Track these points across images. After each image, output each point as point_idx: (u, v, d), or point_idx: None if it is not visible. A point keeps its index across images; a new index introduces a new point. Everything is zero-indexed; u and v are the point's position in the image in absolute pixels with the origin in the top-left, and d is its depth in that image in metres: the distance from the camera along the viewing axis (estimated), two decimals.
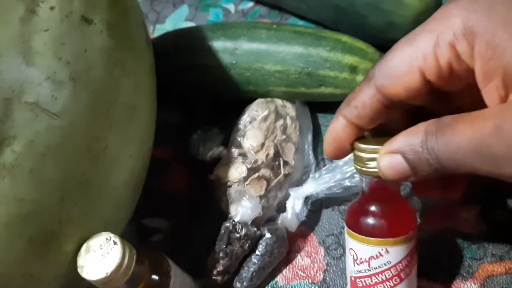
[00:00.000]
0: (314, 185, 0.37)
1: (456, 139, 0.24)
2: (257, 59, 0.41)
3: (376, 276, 0.30)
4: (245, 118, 0.40)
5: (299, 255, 0.38)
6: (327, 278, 0.36)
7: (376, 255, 0.30)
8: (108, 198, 0.30)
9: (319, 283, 0.36)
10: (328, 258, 0.37)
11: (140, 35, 0.34)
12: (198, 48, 0.43)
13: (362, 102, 0.28)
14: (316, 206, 0.39)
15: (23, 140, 0.25)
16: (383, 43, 0.44)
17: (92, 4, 0.29)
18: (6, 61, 0.25)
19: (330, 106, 0.41)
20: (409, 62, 0.26)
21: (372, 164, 0.28)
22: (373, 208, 0.30)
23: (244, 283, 0.36)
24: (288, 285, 0.37)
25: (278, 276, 0.37)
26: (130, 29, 0.32)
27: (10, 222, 0.25)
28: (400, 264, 0.30)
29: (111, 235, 0.29)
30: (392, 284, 0.30)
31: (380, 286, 0.30)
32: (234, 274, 0.37)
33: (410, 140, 0.26)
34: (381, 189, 0.30)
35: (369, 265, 0.30)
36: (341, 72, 0.39)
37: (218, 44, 0.42)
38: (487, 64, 0.24)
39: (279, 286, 0.37)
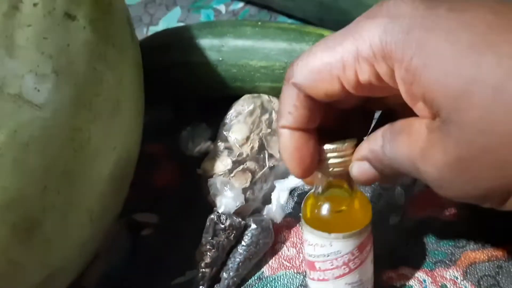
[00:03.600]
0: None
1: (399, 150, 0.25)
2: (243, 56, 0.42)
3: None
4: (231, 113, 0.41)
5: (284, 245, 0.38)
6: None
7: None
8: (92, 188, 0.31)
9: (304, 273, 0.37)
10: None
11: (124, 32, 0.35)
12: (186, 46, 0.44)
13: (293, 106, 0.27)
14: (302, 198, 0.40)
15: (6, 130, 0.26)
16: None
17: (75, 1, 0.30)
18: None
19: None
20: (329, 70, 0.25)
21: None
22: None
23: (231, 273, 0.37)
24: (274, 275, 0.37)
25: (264, 267, 0.38)
26: (114, 25, 0.33)
27: None
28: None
29: None
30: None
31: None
32: (222, 266, 0.38)
33: (371, 147, 0.27)
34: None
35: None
36: None
37: (205, 42, 0.43)
38: (411, 88, 0.24)
39: (265, 276, 0.37)
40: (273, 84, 0.42)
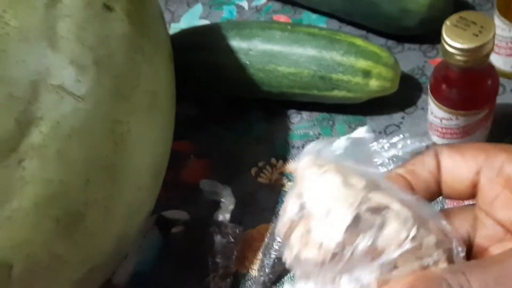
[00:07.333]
0: None
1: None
2: (271, 61, 0.41)
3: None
4: None
5: None
6: None
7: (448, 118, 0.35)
8: (131, 182, 0.31)
9: None
10: None
11: (158, 25, 0.34)
12: (213, 47, 0.43)
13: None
14: None
15: (50, 122, 0.26)
16: (398, 31, 0.44)
17: None
18: (32, 45, 0.26)
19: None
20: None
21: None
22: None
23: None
24: None
25: None
26: (149, 18, 0.33)
27: (38, 202, 0.26)
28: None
29: None
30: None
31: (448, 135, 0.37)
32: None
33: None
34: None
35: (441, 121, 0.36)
36: (354, 77, 0.39)
37: (233, 44, 0.42)
38: None
39: None
40: (300, 90, 0.41)
